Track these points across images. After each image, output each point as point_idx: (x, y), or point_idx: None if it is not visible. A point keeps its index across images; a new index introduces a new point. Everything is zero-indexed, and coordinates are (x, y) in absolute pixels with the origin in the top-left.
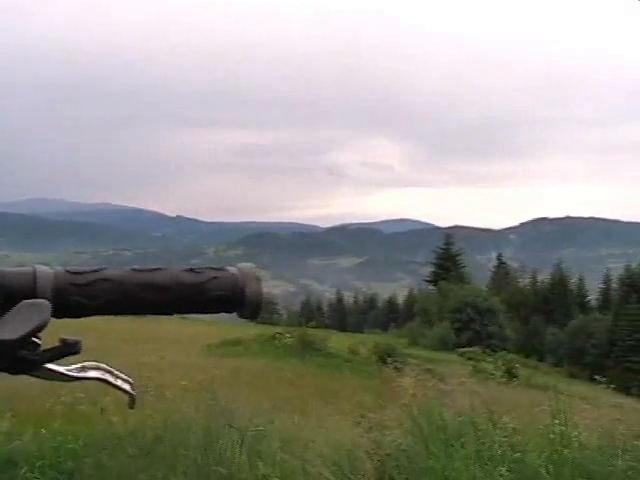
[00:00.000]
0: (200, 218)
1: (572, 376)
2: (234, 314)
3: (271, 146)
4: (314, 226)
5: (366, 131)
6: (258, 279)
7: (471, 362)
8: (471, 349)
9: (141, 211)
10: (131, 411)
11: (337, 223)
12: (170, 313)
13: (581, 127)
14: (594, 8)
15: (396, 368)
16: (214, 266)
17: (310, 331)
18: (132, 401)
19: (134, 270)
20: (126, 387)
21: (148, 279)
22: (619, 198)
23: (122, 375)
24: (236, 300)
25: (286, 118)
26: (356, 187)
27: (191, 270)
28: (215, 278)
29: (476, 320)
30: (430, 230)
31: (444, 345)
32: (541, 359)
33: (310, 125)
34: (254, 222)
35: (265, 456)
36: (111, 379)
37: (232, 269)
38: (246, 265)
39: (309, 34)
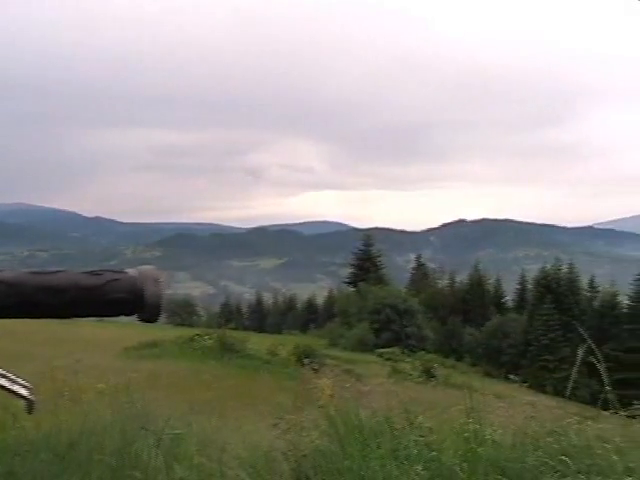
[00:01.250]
0: (118, 219)
1: (489, 375)
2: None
3: (191, 147)
4: (234, 227)
5: (287, 133)
6: (158, 281)
7: (390, 362)
8: (390, 350)
9: (58, 212)
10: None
11: (257, 224)
12: (67, 316)
13: (499, 130)
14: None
15: (315, 369)
16: (114, 269)
17: (229, 333)
18: (30, 407)
19: (31, 272)
20: (23, 392)
21: (45, 281)
22: (535, 201)
23: (19, 380)
24: (135, 303)
25: (207, 119)
26: (276, 188)
27: (90, 272)
28: (114, 280)
29: (395, 321)
30: (350, 232)
31: (363, 346)
32: (459, 359)
33: (231, 126)
34: (173, 223)
35: (182, 459)
36: (6, 384)
37: (132, 271)
38: (146, 267)
39: (231, 35)
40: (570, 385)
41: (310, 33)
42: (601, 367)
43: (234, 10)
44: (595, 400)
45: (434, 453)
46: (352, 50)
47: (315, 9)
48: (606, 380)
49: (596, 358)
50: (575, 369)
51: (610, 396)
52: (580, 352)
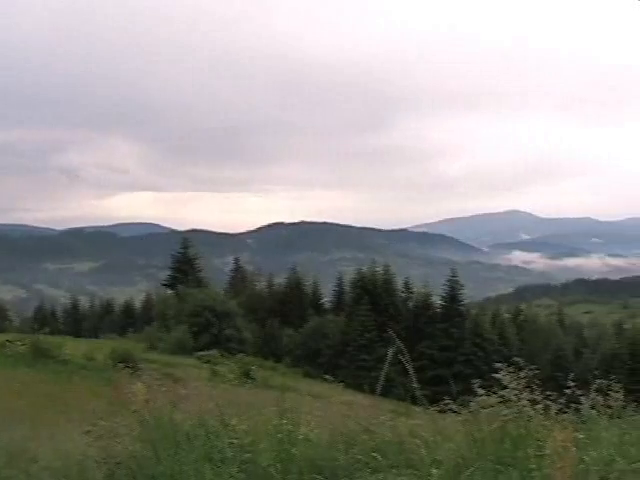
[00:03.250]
0: None
1: (308, 376)
2: None
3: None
4: (48, 229)
5: (103, 132)
6: None
7: (209, 365)
8: (209, 352)
9: None
10: None
11: (72, 226)
12: None
13: (319, 134)
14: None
15: (132, 374)
16: None
17: (44, 338)
18: None
19: None
20: None
21: None
22: (352, 204)
23: None
24: None
25: (17, 117)
26: (92, 189)
27: None
28: None
29: (214, 323)
30: (167, 234)
31: (183, 349)
32: (279, 360)
33: (43, 124)
34: None
35: None
36: None
37: None
38: None
39: (49, 32)
40: (380, 384)
41: (131, 33)
42: (409, 367)
43: (56, 6)
44: (410, 397)
45: (249, 455)
46: (172, 51)
47: (139, 8)
48: (414, 378)
49: (405, 358)
50: (385, 369)
51: (418, 393)
52: (390, 352)
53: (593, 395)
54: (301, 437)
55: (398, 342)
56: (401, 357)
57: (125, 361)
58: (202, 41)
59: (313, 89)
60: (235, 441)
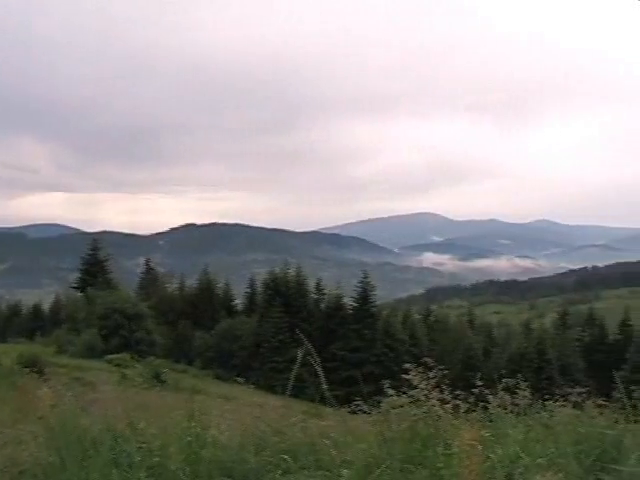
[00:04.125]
0: None
1: (220, 378)
2: None
3: None
4: None
5: (11, 131)
6: None
7: (119, 369)
8: (120, 355)
9: None
10: None
11: None
12: None
13: (231, 136)
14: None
15: (39, 378)
16: None
17: None
18: None
19: None
20: None
21: None
22: (265, 206)
23: None
24: None
25: None
26: (1, 189)
27: None
28: None
29: (124, 326)
30: (77, 235)
31: (92, 352)
32: (190, 363)
33: None
34: None
35: None
36: None
37: None
38: None
39: None
40: (290, 385)
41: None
42: (318, 368)
43: None
44: (323, 398)
45: (158, 459)
46: (84, 49)
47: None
48: (323, 379)
49: (314, 359)
50: (295, 370)
51: (327, 394)
52: (299, 354)
53: (501, 394)
54: (210, 440)
55: (307, 344)
56: (310, 359)
57: (33, 365)
58: (116, 40)
59: (224, 90)
60: (143, 445)
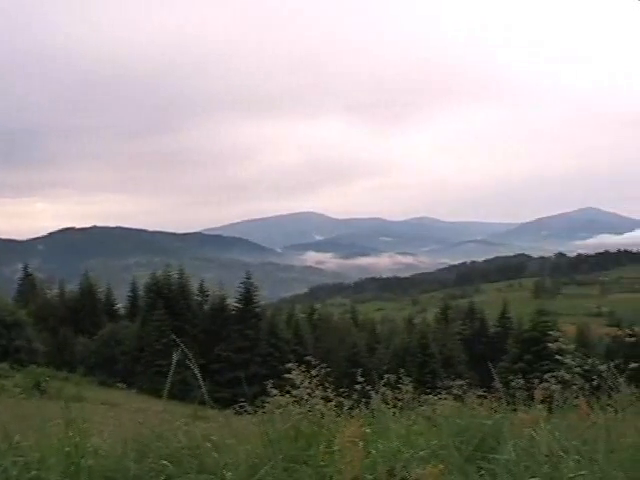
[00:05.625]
0: None
1: (104, 384)
2: None
3: None
4: None
5: None
6: None
7: None
8: None
9: None
10: None
11: None
12: None
13: (109, 137)
14: None
15: None
16: None
17: None
18: None
19: None
20: None
21: None
22: (145, 208)
23: None
24: None
25: None
26: None
27: None
28: None
29: (3, 335)
30: None
31: None
32: (72, 370)
33: None
34: None
35: None
36: None
37: None
38: None
39: None
40: (167, 388)
41: None
42: (197, 370)
43: None
44: (209, 400)
45: (36, 472)
46: None
47: None
48: (201, 382)
49: (192, 362)
50: (171, 373)
51: (207, 397)
52: (175, 357)
53: (383, 389)
54: (91, 448)
55: (184, 347)
56: (188, 362)
57: None
58: None
59: (105, 92)
60: (20, 459)
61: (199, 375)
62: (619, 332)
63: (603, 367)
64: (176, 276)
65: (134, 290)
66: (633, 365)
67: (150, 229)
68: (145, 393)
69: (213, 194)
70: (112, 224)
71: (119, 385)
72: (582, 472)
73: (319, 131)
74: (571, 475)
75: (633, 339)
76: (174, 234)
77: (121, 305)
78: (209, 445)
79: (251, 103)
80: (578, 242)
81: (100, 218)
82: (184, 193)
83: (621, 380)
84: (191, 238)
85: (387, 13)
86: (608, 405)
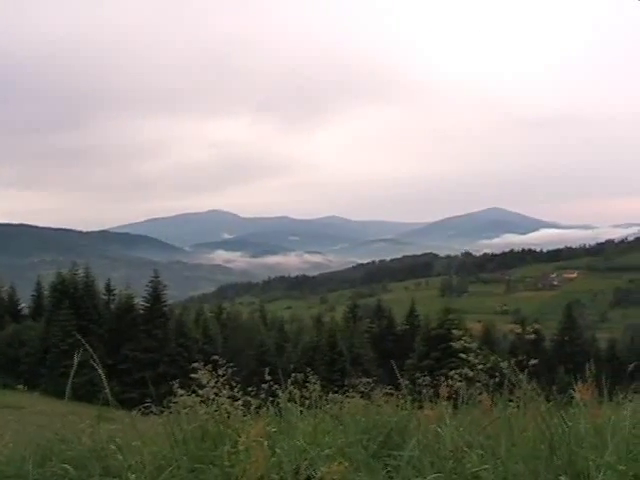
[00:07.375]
0: None
1: (7, 386)
2: None
3: None
4: None
5: None
6: None
7: None
8: None
9: None
10: None
11: None
12: None
13: (12, 132)
14: None
15: None
16: None
17: None
18: None
19: None
20: None
21: None
22: (50, 206)
23: None
24: None
25: None
26: None
27: None
28: None
29: None
30: None
31: None
32: None
33: None
34: None
35: None
36: None
37: None
38: None
39: None
40: (68, 389)
41: None
42: (101, 371)
43: None
44: (119, 401)
45: None
46: None
47: None
48: (105, 382)
49: (96, 363)
50: (72, 374)
51: (111, 398)
52: (77, 357)
53: (290, 388)
54: None
55: (88, 347)
56: (92, 362)
57: None
58: None
59: (7, 87)
60: None
61: (103, 375)
62: (521, 330)
63: (504, 364)
64: (82, 275)
65: (39, 289)
66: (533, 361)
67: (56, 227)
68: (50, 395)
69: (120, 192)
70: (15, 221)
71: (19, 387)
72: (485, 466)
73: (228, 129)
74: (474, 469)
75: (534, 336)
76: (80, 232)
77: (25, 305)
78: (114, 447)
79: (160, 100)
80: (484, 241)
81: (3, 215)
82: (90, 190)
83: (522, 376)
84: (97, 236)
85: (298, 13)
86: (510, 401)
